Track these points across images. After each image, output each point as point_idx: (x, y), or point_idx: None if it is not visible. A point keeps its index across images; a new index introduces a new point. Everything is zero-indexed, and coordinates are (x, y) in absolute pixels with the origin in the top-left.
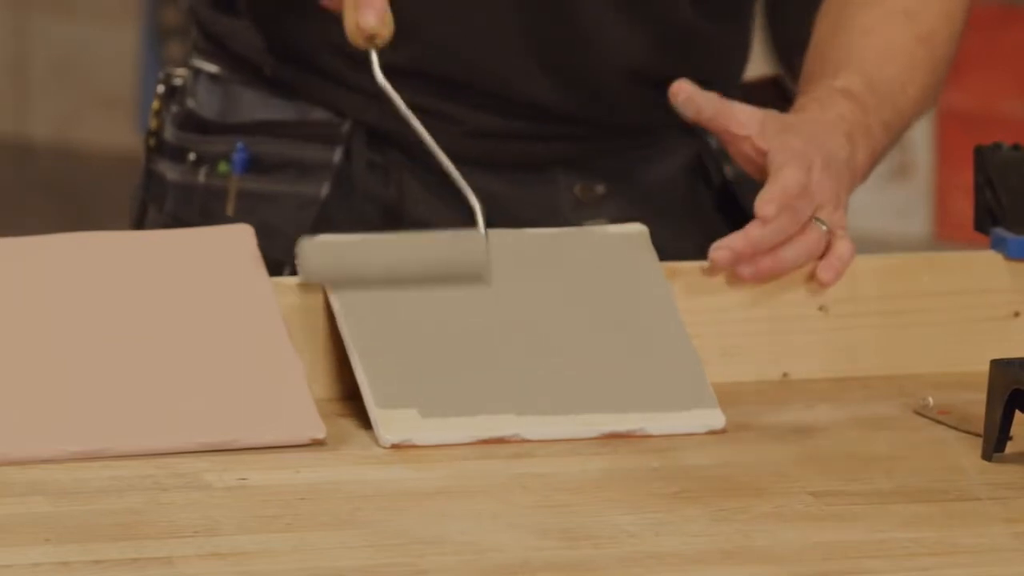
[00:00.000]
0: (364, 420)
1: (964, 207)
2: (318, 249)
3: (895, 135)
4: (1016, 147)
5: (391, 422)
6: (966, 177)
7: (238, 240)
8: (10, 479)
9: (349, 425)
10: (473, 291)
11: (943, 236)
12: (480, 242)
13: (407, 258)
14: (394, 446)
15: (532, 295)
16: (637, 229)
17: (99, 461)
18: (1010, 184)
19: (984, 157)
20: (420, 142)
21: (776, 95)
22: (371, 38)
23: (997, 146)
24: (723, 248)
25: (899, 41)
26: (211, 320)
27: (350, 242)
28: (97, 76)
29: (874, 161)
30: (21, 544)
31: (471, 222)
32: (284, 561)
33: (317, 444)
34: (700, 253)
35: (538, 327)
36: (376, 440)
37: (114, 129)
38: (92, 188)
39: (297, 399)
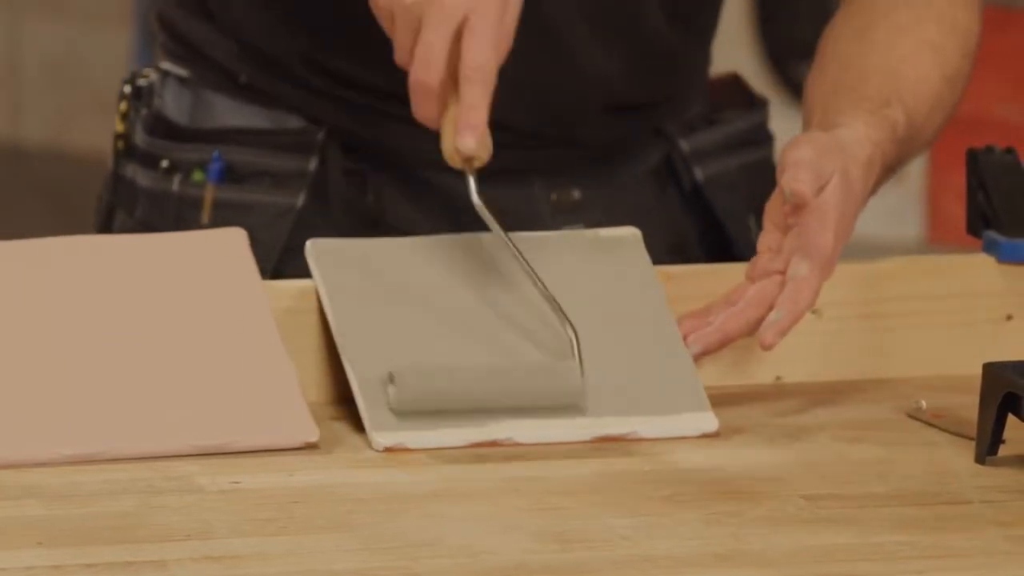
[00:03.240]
0: (357, 423)
1: (956, 210)
2: (413, 378)
3: (893, 174)
4: (1009, 150)
5: (384, 425)
6: (959, 180)
7: (231, 243)
8: (4, 483)
9: (342, 428)
10: (466, 294)
11: (935, 239)
12: (575, 373)
13: (502, 388)
14: (387, 449)
15: (526, 299)
16: (630, 232)
17: (93, 465)
18: (1002, 187)
19: (977, 160)
20: (397, 149)
21: (737, 92)
22: (469, 160)
23: (990, 149)
24: (777, 334)
25: (931, 79)
26: (204, 323)
27: (443, 371)
28: (90, 78)
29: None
30: (14, 547)
31: (452, 228)
32: (278, 564)
33: (310, 447)
34: (668, 253)
35: (532, 330)
36: (369, 443)
37: (107, 132)
38: (85, 191)
39: (290, 402)
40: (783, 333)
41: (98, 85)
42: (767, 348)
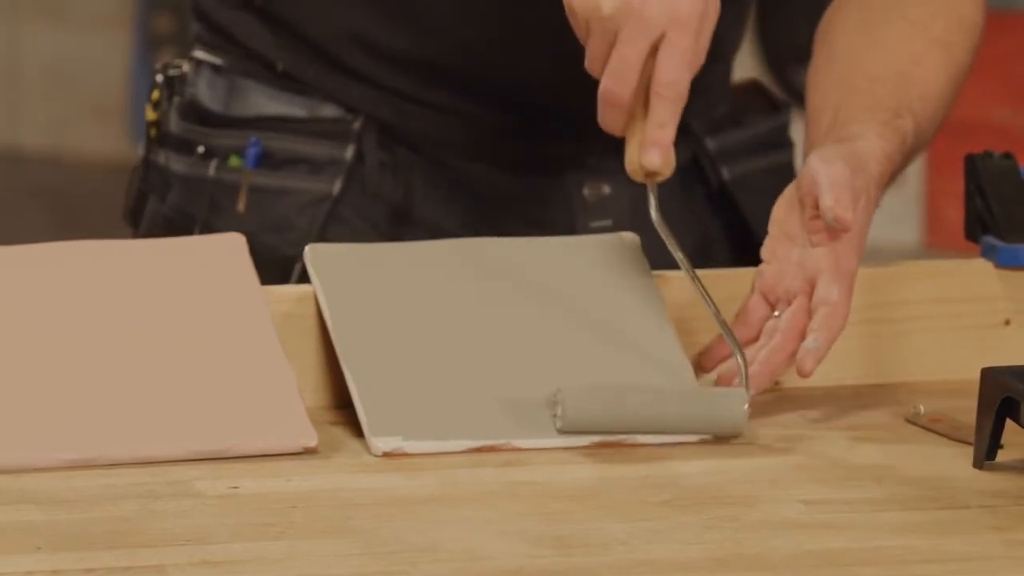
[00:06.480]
0: (356, 428)
1: (955, 215)
2: (581, 398)
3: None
4: (1007, 155)
5: (383, 430)
6: (957, 185)
7: (230, 249)
8: (3, 487)
9: (341, 433)
10: (464, 299)
11: (933, 244)
12: (741, 400)
13: (669, 411)
14: (386, 454)
15: (524, 303)
16: (629, 237)
17: (92, 469)
18: (1001, 192)
19: (975, 165)
20: (429, 139)
21: (758, 98)
22: (652, 175)
23: (988, 154)
24: (816, 361)
25: (938, 79)
26: (203, 328)
27: (611, 391)
28: (89, 84)
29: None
30: (13, 552)
31: (479, 225)
32: (276, 569)
33: (309, 452)
34: (694, 253)
35: (530, 335)
36: (368, 448)
37: (106, 137)
38: (84, 196)
39: (289, 407)
40: (820, 359)
41: (97, 91)
42: (806, 376)
